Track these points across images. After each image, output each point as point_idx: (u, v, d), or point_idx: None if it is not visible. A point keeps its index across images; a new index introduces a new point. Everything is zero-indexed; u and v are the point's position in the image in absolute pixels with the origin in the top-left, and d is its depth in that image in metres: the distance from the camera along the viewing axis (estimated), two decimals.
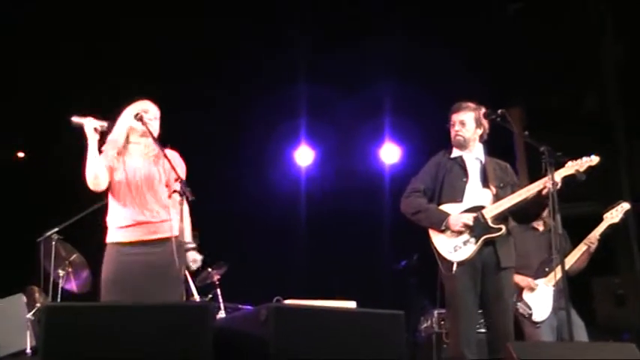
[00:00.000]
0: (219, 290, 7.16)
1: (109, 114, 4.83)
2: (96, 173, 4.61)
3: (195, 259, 4.69)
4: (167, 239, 4.62)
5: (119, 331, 3.42)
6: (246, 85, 8.45)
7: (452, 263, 5.04)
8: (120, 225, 4.65)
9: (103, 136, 4.72)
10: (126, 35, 8.00)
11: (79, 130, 4.63)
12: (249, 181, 9.11)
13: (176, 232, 4.64)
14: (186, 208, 4.46)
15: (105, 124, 4.66)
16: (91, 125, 4.61)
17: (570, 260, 5.81)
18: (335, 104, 8.60)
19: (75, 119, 4.64)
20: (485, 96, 5.66)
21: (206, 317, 3.55)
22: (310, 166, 9.43)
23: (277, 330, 3.52)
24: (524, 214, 5.25)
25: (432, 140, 5.87)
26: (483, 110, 5.23)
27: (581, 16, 8.60)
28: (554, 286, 5.81)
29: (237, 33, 8.06)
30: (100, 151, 4.68)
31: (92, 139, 4.62)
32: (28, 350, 6.57)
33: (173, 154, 4.77)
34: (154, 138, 4.70)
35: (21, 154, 9.29)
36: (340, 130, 8.90)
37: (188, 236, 4.60)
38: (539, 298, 5.90)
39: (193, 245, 4.63)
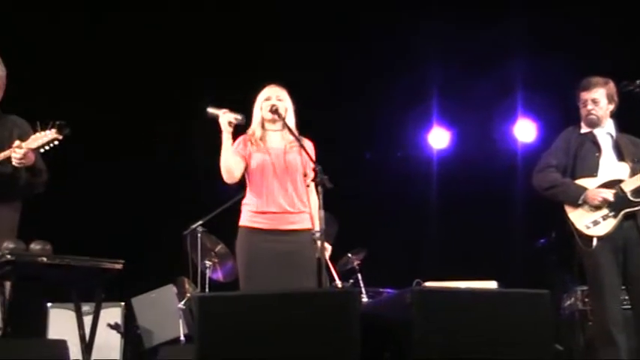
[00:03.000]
0: (359, 275, 7.19)
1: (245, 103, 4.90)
2: (230, 166, 4.63)
3: (325, 247, 4.68)
4: (303, 230, 4.67)
5: (268, 318, 3.49)
6: (378, 68, 8.39)
7: (591, 238, 4.86)
8: (256, 210, 4.67)
9: (238, 128, 4.74)
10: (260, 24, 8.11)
11: (214, 122, 4.64)
12: (383, 165, 9.09)
13: (310, 224, 4.66)
14: (317, 197, 4.44)
15: (240, 117, 4.64)
16: (226, 118, 4.60)
17: None
18: (466, 84, 8.44)
19: (210, 110, 4.64)
20: (620, 68, 5.43)
21: (352, 303, 3.57)
22: (443, 148, 9.32)
23: (422, 313, 3.50)
24: None
25: (566, 116, 5.68)
26: (623, 83, 5.01)
27: None
28: None
29: (368, 17, 8.02)
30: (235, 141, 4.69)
31: (226, 132, 4.61)
32: (182, 338, 6.81)
33: (307, 143, 4.78)
34: (288, 128, 4.73)
35: None
36: (473, 109, 8.73)
37: (322, 224, 4.57)
38: None
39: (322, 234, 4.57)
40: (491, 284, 6.08)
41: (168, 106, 8.31)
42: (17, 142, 4.34)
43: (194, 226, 6.80)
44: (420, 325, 3.47)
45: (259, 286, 4.50)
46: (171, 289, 7.20)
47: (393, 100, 8.57)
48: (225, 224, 5.66)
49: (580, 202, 4.93)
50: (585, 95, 5.10)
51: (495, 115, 8.82)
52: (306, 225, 4.66)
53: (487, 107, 8.64)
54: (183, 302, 6.86)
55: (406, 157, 9.31)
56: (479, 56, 8.26)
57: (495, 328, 3.59)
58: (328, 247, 4.75)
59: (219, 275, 7.09)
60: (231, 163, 4.64)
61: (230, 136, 4.64)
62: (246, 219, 4.70)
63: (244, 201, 4.76)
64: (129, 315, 7.17)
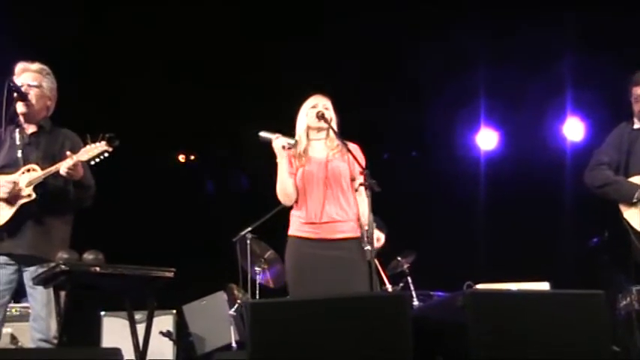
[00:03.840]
0: (409, 278, 7.15)
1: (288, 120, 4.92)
2: (287, 192, 4.66)
3: (378, 237, 4.64)
4: (352, 238, 4.65)
5: (319, 323, 3.48)
6: (427, 69, 8.37)
7: None
8: (305, 220, 4.67)
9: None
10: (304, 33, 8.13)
11: (267, 146, 4.67)
12: (432, 166, 9.05)
13: (358, 232, 4.64)
14: (366, 200, 4.42)
15: (292, 141, 4.66)
16: (279, 143, 4.62)
17: None
18: (515, 84, 8.37)
19: (263, 135, 4.68)
20: None
21: (404, 306, 3.56)
22: (491, 148, 9.25)
23: (475, 316, 3.47)
24: None
25: (616, 113, 5.59)
26: None
27: None
28: None
29: (418, 17, 8.01)
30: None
31: (281, 158, 4.64)
32: (233, 344, 6.85)
33: (354, 147, 4.75)
34: (335, 132, 4.73)
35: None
36: (521, 109, 8.65)
37: (371, 228, 4.53)
38: None
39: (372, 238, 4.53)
40: (544, 285, 6.02)
41: (217, 116, 8.40)
42: (68, 153, 4.40)
43: (243, 232, 6.83)
44: (472, 328, 3.44)
45: (309, 292, 4.51)
46: (221, 296, 7.25)
47: (441, 101, 8.53)
48: (275, 230, 5.68)
49: (635, 199, 4.85)
50: (638, 90, 5.01)
51: (544, 115, 8.74)
52: (355, 233, 4.65)
53: (536, 107, 8.56)
54: (234, 309, 6.90)
55: (452, 157, 9.25)
56: (527, 56, 8.19)
57: (550, 331, 3.54)
58: (382, 236, 4.75)
59: (268, 281, 7.11)
60: (288, 188, 4.67)
61: (286, 161, 4.67)
62: (295, 228, 4.72)
63: (293, 211, 4.77)
64: (180, 322, 7.24)
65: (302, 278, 4.60)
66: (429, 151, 9.18)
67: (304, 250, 4.63)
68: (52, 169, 4.44)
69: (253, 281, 6.91)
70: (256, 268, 6.94)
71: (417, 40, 8.10)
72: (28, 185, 4.45)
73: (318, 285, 4.49)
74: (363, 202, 4.59)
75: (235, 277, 7.00)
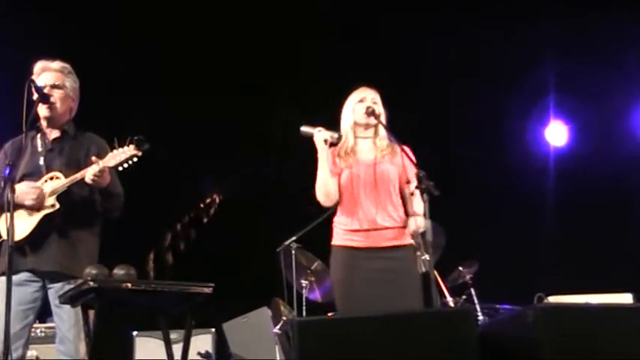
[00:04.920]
0: (472, 290, 7.07)
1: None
2: (327, 190, 4.64)
3: (418, 225, 4.53)
4: (403, 246, 4.62)
5: (373, 342, 3.44)
6: (497, 65, 8.35)
7: None
8: (350, 228, 4.65)
9: (334, 146, 4.74)
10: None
11: (309, 140, 4.65)
12: (496, 166, 8.96)
13: (409, 240, 4.61)
14: (423, 205, 4.36)
15: (336, 134, 4.65)
16: (321, 136, 4.60)
17: None
18: (585, 77, 8.30)
19: (304, 129, 4.67)
20: None
21: (468, 322, 3.50)
22: (562, 145, 9.15)
23: (547, 333, 3.39)
24: None
25: None
26: None
27: None
28: None
29: (487, 12, 8.04)
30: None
31: (322, 152, 4.61)
32: None
33: (405, 149, 4.70)
34: (386, 129, 4.68)
35: None
36: (592, 103, 8.56)
37: (429, 235, 4.46)
38: None
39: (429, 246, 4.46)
40: (626, 297, 5.90)
41: (253, 121, 8.44)
42: (94, 158, 4.40)
43: (288, 242, 6.81)
44: (545, 347, 3.36)
45: (358, 308, 4.48)
46: (265, 312, 7.22)
47: (509, 96, 8.48)
48: (322, 239, 5.65)
49: None
50: None
51: (616, 108, 8.63)
52: (407, 240, 4.62)
53: (608, 100, 8.45)
54: (278, 326, 6.88)
55: (519, 154, 9.16)
56: (598, 48, 8.10)
57: (635, 350, 3.44)
58: (421, 223, 4.59)
59: (316, 295, 7.09)
60: (329, 186, 4.64)
61: (327, 156, 4.64)
62: (339, 238, 4.69)
63: (335, 219, 4.74)
64: (220, 342, 7.23)
65: (351, 292, 4.57)
66: (496, 148, 9.09)
67: (351, 261, 4.61)
68: (77, 176, 4.44)
69: (299, 295, 6.89)
70: (302, 281, 6.92)
71: (487, 33, 8.10)
72: (51, 194, 4.46)
73: (369, 299, 4.47)
74: (418, 206, 4.53)
75: (280, 291, 6.99)
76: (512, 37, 8.13)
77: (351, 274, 4.59)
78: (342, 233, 4.68)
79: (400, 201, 4.68)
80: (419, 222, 4.51)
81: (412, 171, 4.47)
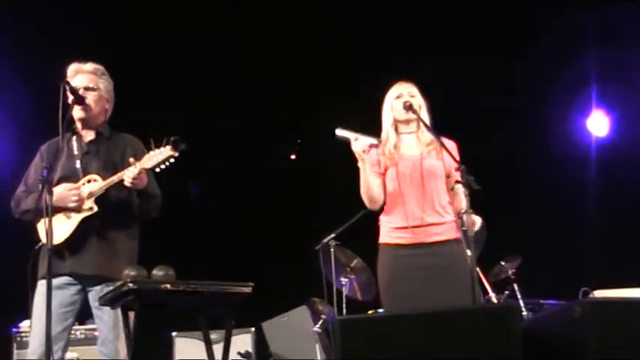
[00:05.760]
0: (515, 285, 7.00)
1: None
2: (371, 195, 4.62)
3: (474, 220, 4.46)
4: (449, 241, 4.59)
5: (418, 340, 3.41)
6: (539, 55, 8.31)
7: None
8: (397, 225, 4.63)
9: (376, 147, 4.66)
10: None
11: (345, 144, 4.55)
12: (537, 159, 8.89)
13: (456, 234, 4.58)
14: (464, 199, 4.34)
15: (375, 141, 4.56)
16: (359, 146, 4.49)
17: None
18: (626, 68, 8.22)
19: (339, 132, 4.57)
20: None
21: (513, 319, 3.45)
22: (604, 135, 9.06)
23: (595, 329, 3.34)
24: None
25: None
26: None
27: None
28: None
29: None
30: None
31: (362, 160, 4.53)
32: None
33: (448, 143, 4.68)
34: (426, 126, 4.65)
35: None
36: (633, 94, 8.47)
37: (471, 231, 4.41)
38: None
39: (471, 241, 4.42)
40: None
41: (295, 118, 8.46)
42: (131, 160, 4.41)
43: (326, 239, 6.79)
44: (594, 343, 3.31)
45: (404, 305, 4.45)
46: (304, 311, 7.22)
47: (551, 86, 8.43)
48: (362, 236, 5.63)
49: None
50: None
51: None
52: (453, 235, 4.58)
53: None
54: (318, 325, 6.87)
55: (562, 145, 9.09)
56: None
57: None
58: (478, 220, 4.60)
59: (356, 293, 7.05)
60: (373, 191, 4.62)
61: (368, 165, 4.57)
62: (386, 236, 4.67)
63: (382, 217, 4.72)
64: (260, 341, 7.25)
65: (396, 290, 4.55)
66: (538, 139, 9.03)
67: (398, 258, 4.59)
68: (114, 178, 4.46)
69: (339, 293, 6.87)
70: (342, 279, 6.89)
71: (530, 25, 8.10)
72: (89, 197, 4.49)
73: (415, 297, 4.44)
74: (459, 201, 4.51)
75: (319, 289, 6.97)
76: (554, 27, 8.09)
77: (397, 272, 4.57)
78: (389, 231, 4.67)
79: (447, 197, 4.65)
80: (475, 218, 4.47)
81: (453, 165, 4.45)
